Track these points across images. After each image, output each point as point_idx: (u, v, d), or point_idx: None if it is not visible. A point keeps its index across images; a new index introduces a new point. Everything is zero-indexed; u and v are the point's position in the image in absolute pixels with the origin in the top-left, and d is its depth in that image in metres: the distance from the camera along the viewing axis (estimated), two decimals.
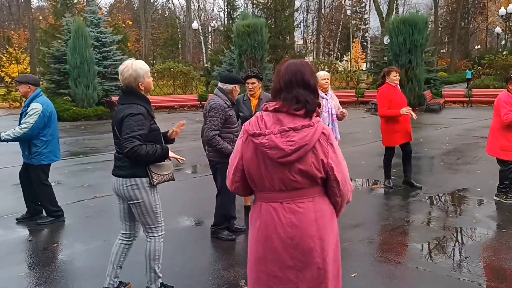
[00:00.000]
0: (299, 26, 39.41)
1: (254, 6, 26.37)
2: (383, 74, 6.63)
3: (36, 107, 5.12)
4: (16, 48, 33.37)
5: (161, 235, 3.47)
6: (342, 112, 5.91)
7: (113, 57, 21.82)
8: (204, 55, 41.21)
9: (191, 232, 5.13)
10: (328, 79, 5.87)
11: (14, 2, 51.11)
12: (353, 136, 11.97)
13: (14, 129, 5.10)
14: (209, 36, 46.89)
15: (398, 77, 6.49)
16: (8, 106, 24.62)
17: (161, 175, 3.31)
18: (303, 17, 49.09)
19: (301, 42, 47.29)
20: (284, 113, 2.15)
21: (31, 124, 5.09)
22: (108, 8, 46.80)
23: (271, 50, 21.83)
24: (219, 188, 4.68)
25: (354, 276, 3.85)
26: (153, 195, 3.35)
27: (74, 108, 18.46)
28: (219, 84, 4.64)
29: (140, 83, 3.26)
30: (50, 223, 5.44)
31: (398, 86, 6.56)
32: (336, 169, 2.15)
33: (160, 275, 3.50)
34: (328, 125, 5.75)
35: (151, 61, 45.47)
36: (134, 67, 3.24)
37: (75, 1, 32.06)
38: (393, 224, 5.17)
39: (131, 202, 3.31)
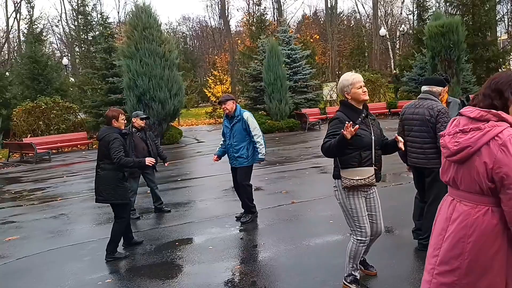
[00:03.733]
0: (503, 19, 34.92)
1: (448, 4, 24.50)
2: None
3: (248, 115, 6.09)
4: (220, 71, 37.93)
5: (359, 240, 3.63)
6: None
7: (302, 72, 22.95)
8: (392, 61, 40.01)
9: (387, 240, 5.06)
10: None
11: (217, 30, 58.24)
12: None
13: (260, 144, 6.05)
14: (397, 41, 45.33)
15: None
16: (214, 122, 28.12)
17: (351, 179, 3.49)
18: (507, 9, 43.36)
19: (505, 37, 41.86)
20: (464, 116, 2.25)
21: (258, 126, 6.10)
22: (296, 26, 49.46)
23: (469, 49, 19.90)
24: (433, 195, 4.39)
25: None
26: (348, 198, 3.58)
27: (269, 121, 20.06)
28: (426, 87, 4.44)
29: (345, 92, 3.58)
30: (251, 220, 6.14)
31: None
32: (507, 177, 2.01)
33: (355, 274, 3.74)
34: None
35: (337, 72, 46.18)
36: (342, 78, 3.63)
37: (268, 23, 34.84)
38: None
39: (337, 201, 3.70)
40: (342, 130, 3.28)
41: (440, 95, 4.42)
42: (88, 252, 5.47)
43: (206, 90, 37.04)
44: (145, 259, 5.11)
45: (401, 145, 3.51)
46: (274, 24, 36.99)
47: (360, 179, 3.48)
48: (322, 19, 50.34)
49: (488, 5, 23.24)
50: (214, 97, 36.66)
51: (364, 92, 3.55)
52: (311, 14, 54.56)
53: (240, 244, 5.38)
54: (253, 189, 6.31)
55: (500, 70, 22.98)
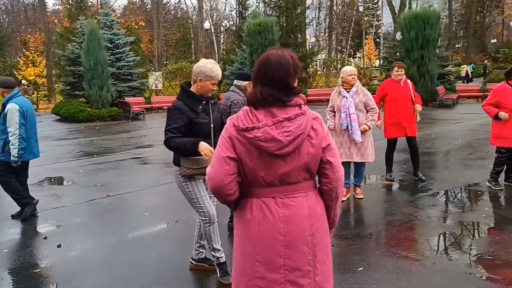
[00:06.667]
0: (311, 23, 39.23)
1: (266, 4, 26.38)
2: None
3: (11, 107, 5.36)
4: (33, 52, 34.01)
5: (205, 220, 3.60)
6: (364, 127, 5.63)
7: (126, 59, 22.09)
8: (216, 54, 41.39)
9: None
10: (355, 75, 5.63)
11: (30, 6, 51.99)
12: None
13: (12, 144, 5.31)
14: (221, 36, 47.05)
15: (401, 73, 6.51)
16: None
17: (189, 168, 3.47)
18: (315, 15, 48.92)
19: (313, 40, 47.18)
20: (276, 106, 2.05)
21: (16, 124, 5.32)
22: (121, 10, 47.32)
23: None
24: None
25: (361, 270, 3.87)
26: (185, 182, 3.57)
27: (88, 110, 18.78)
28: (235, 81, 4.80)
29: (200, 78, 3.48)
30: (30, 212, 5.65)
31: (407, 82, 6.60)
32: (330, 151, 2.11)
33: (217, 255, 3.69)
34: (347, 126, 5.58)
35: (164, 62, 45.77)
36: (207, 64, 3.49)
37: (89, 4, 32.48)
38: (400, 220, 5.16)
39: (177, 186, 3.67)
40: (201, 141, 3.30)
41: (245, 89, 4.72)
42: None
43: (16, 72, 32.87)
44: None
45: None
46: (96, 5, 34.69)
47: (197, 168, 3.46)
48: (149, 6, 49.18)
49: (299, 9, 25.76)
50: (25, 80, 32.81)
51: (213, 90, 3.55)
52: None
53: (42, 244, 4.87)
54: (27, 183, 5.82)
55: (308, 69, 25.76)
